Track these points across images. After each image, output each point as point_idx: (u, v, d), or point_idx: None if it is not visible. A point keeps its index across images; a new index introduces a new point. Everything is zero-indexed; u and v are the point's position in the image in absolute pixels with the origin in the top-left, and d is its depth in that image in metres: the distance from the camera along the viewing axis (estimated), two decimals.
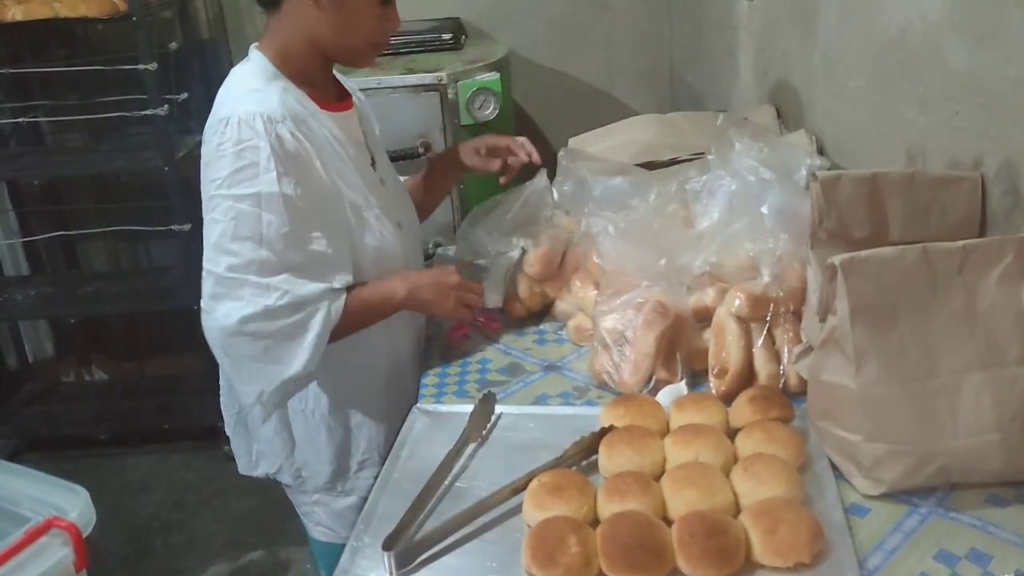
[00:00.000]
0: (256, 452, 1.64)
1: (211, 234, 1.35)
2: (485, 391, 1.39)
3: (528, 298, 1.65)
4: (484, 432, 1.30)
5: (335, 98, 1.52)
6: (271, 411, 1.48)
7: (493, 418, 1.34)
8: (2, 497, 1.38)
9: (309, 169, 1.37)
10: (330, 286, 1.38)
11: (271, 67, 1.42)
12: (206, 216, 1.37)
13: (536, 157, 1.69)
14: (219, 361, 1.43)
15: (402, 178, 1.75)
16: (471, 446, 1.27)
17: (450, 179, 1.86)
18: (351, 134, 1.50)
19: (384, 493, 1.20)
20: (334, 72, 1.55)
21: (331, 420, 1.55)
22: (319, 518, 1.65)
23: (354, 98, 1.59)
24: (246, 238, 1.33)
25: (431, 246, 2.38)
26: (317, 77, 1.47)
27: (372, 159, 1.55)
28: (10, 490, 1.40)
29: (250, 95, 1.37)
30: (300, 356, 1.36)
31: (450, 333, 1.59)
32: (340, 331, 1.40)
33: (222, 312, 1.34)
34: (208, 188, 1.35)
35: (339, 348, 1.43)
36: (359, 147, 1.51)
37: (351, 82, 1.65)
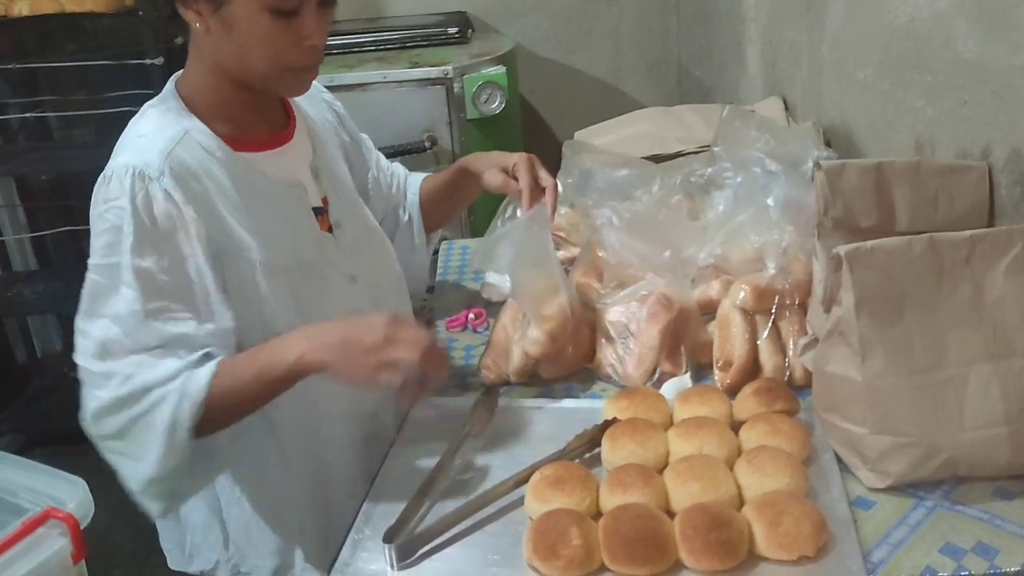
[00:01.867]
0: (190, 545, 1.41)
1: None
2: (488, 384, 1.38)
3: (517, 371, 1.40)
4: (486, 426, 1.29)
5: (267, 130, 1.30)
6: (159, 513, 1.25)
7: (495, 411, 1.33)
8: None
9: (183, 236, 1.15)
10: (186, 362, 1.13)
11: (178, 104, 1.22)
12: None
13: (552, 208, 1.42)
14: None
15: (421, 175, 1.62)
16: (473, 439, 1.26)
17: (474, 194, 1.57)
18: (283, 175, 1.27)
19: (385, 487, 1.20)
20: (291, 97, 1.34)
21: (274, 501, 1.33)
22: None
23: (306, 123, 1.37)
24: (100, 315, 1.15)
25: (438, 241, 2.26)
26: (237, 111, 1.25)
27: (324, 199, 1.34)
28: (8, 481, 1.39)
29: (136, 142, 1.19)
30: (152, 452, 1.14)
31: (447, 326, 1.58)
32: (213, 417, 1.14)
33: (85, 404, 1.17)
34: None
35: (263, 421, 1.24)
36: (294, 190, 1.29)
37: (326, 95, 1.48)
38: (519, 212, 1.43)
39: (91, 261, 1.17)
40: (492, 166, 1.45)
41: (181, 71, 1.28)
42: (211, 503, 1.35)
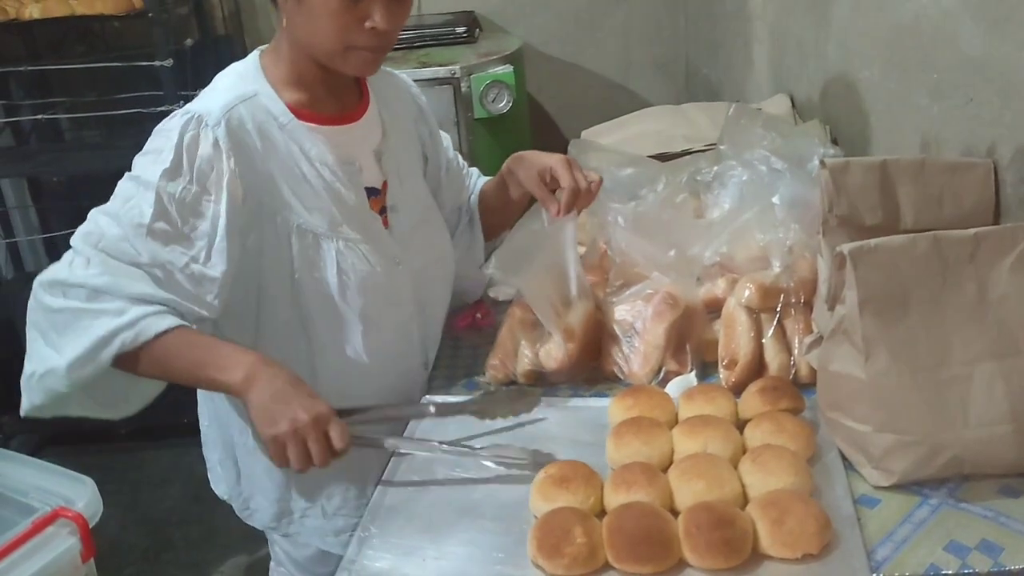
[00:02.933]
0: (214, 468, 1.54)
1: None
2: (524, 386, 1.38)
3: (525, 374, 1.41)
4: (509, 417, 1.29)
5: (337, 108, 1.35)
6: (29, 408, 1.24)
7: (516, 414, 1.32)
8: (10, 487, 1.40)
9: (214, 181, 1.22)
10: (153, 306, 1.17)
11: (256, 68, 1.31)
12: None
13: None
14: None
15: (484, 178, 1.62)
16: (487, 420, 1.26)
17: (520, 196, 1.51)
18: (341, 152, 1.33)
19: (392, 483, 1.20)
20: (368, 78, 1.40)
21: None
22: (278, 556, 1.56)
23: (383, 109, 1.42)
24: (111, 213, 1.21)
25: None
26: (308, 84, 1.31)
27: (384, 182, 1.39)
28: (18, 480, 1.41)
29: (208, 94, 1.30)
30: (70, 351, 1.16)
31: (457, 324, 1.59)
32: (138, 361, 1.17)
33: (51, 268, 1.21)
34: None
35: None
36: (348, 167, 1.33)
37: (413, 88, 1.53)
38: (545, 218, 1.41)
39: (128, 172, 1.24)
40: (530, 167, 1.44)
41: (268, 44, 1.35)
42: (226, 441, 1.45)
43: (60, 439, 3.31)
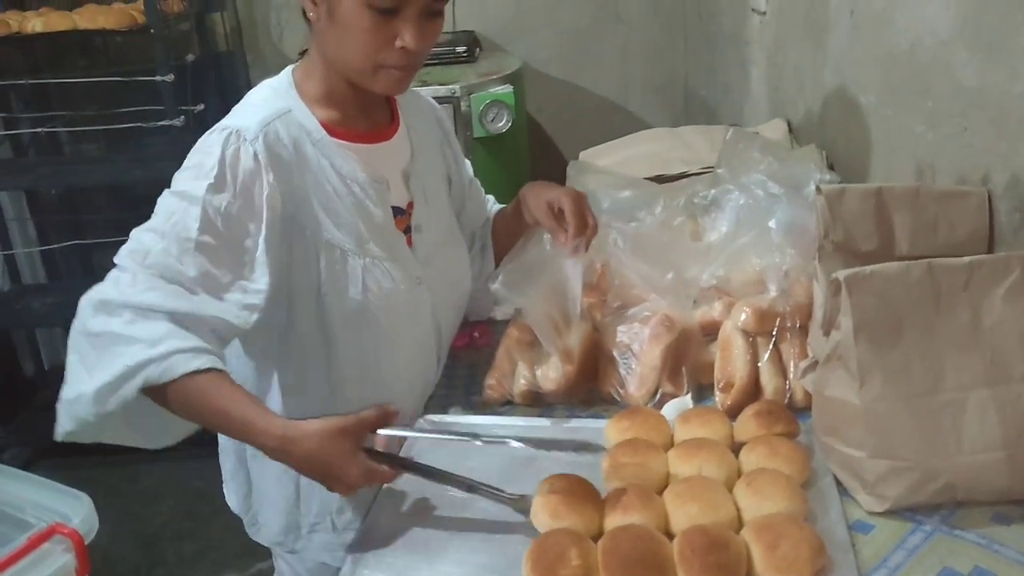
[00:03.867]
0: (226, 478, 1.54)
1: None
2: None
3: (523, 395, 1.42)
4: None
5: (368, 126, 1.36)
6: (63, 434, 1.20)
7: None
8: (6, 503, 1.40)
9: (256, 194, 1.23)
10: (190, 345, 1.14)
11: (289, 84, 1.32)
12: None
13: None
14: None
15: (498, 205, 1.64)
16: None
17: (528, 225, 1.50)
18: (371, 170, 1.33)
19: (386, 504, 1.21)
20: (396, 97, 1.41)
21: (280, 471, 1.35)
22: (283, 571, 1.55)
23: (411, 130, 1.43)
24: (154, 230, 1.20)
25: None
26: (340, 101, 1.32)
27: (410, 202, 1.40)
28: (14, 496, 1.41)
29: (243, 110, 1.30)
30: (99, 377, 1.13)
31: (454, 343, 1.59)
32: (164, 398, 1.14)
33: (97, 288, 1.18)
34: None
35: (302, 391, 1.33)
36: (377, 185, 1.34)
37: (438, 111, 1.53)
38: (546, 243, 1.41)
39: (167, 190, 1.23)
40: (539, 196, 1.43)
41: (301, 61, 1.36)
42: (239, 451, 1.45)
43: (52, 451, 3.30)
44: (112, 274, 1.19)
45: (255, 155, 1.23)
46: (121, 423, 1.19)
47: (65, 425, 1.19)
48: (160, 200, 1.23)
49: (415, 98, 1.50)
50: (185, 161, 1.26)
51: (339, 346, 1.34)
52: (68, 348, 1.18)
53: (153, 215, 1.22)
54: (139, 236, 1.21)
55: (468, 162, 1.62)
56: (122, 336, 1.14)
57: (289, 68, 1.36)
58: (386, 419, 1.16)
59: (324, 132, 1.31)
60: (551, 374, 1.38)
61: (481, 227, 1.63)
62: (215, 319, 1.19)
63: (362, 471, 1.13)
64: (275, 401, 1.37)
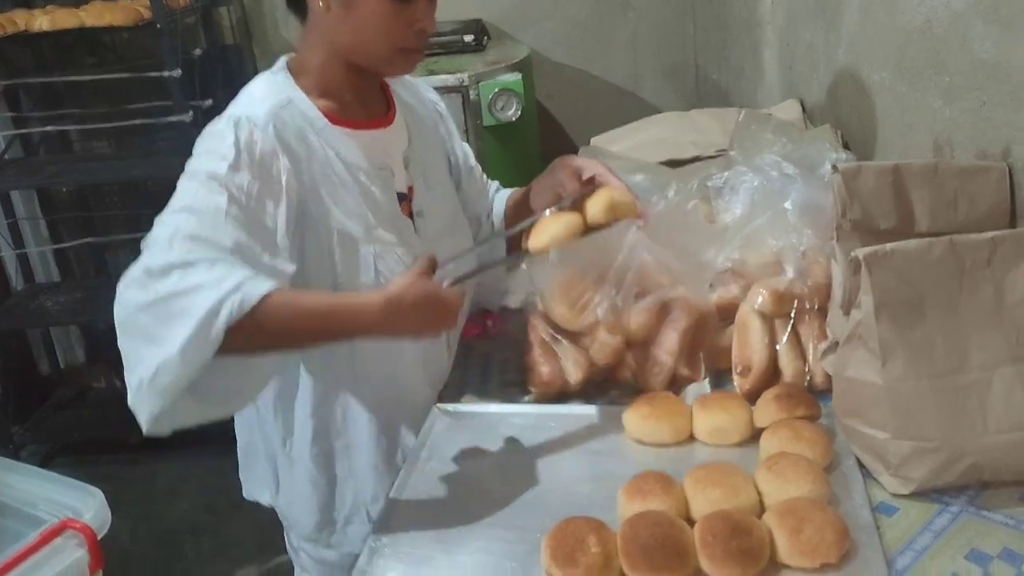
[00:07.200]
0: (255, 473, 1.51)
1: None
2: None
3: (580, 383, 1.38)
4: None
5: (366, 115, 1.37)
6: (150, 419, 1.10)
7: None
8: (18, 499, 1.40)
9: (276, 173, 1.22)
10: (252, 272, 1.11)
11: (286, 76, 1.32)
12: None
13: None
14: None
15: (506, 190, 1.62)
16: None
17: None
18: (374, 156, 1.34)
19: (403, 495, 1.20)
20: (392, 83, 1.43)
21: (312, 466, 1.39)
22: (304, 563, 1.53)
23: (407, 115, 1.43)
24: (180, 210, 1.16)
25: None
26: (341, 89, 1.33)
27: (410, 187, 1.40)
28: (26, 492, 1.42)
29: (246, 101, 1.29)
30: (179, 335, 1.05)
31: (466, 332, 1.58)
32: (251, 331, 1.08)
33: (128, 271, 1.13)
34: None
35: (328, 379, 1.34)
36: (381, 172, 1.34)
37: (431, 94, 1.54)
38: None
39: (184, 175, 1.20)
40: (567, 165, 1.41)
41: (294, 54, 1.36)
42: (269, 454, 1.44)
43: (70, 449, 3.32)
44: (145, 253, 1.13)
45: (269, 138, 1.22)
46: (195, 399, 1.11)
47: (153, 407, 1.09)
48: (180, 184, 1.19)
49: (409, 84, 1.51)
50: (195, 148, 1.24)
51: None
52: (120, 336, 1.11)
53: (173, 199, 1.18)
54: (165, 219, 1.16)
55: (468, 147, 1.61)
56: (182, 291, 1.07)
57: (281, 60, 1.35)
58: (432, 263, 1.19)
59: (326, 120, 1.31)
60: (606, 340, 1.36)
61: (490, 210, 1.62)
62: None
63: (455, 294, 1.17)
64: (305, 393, 1.36)
